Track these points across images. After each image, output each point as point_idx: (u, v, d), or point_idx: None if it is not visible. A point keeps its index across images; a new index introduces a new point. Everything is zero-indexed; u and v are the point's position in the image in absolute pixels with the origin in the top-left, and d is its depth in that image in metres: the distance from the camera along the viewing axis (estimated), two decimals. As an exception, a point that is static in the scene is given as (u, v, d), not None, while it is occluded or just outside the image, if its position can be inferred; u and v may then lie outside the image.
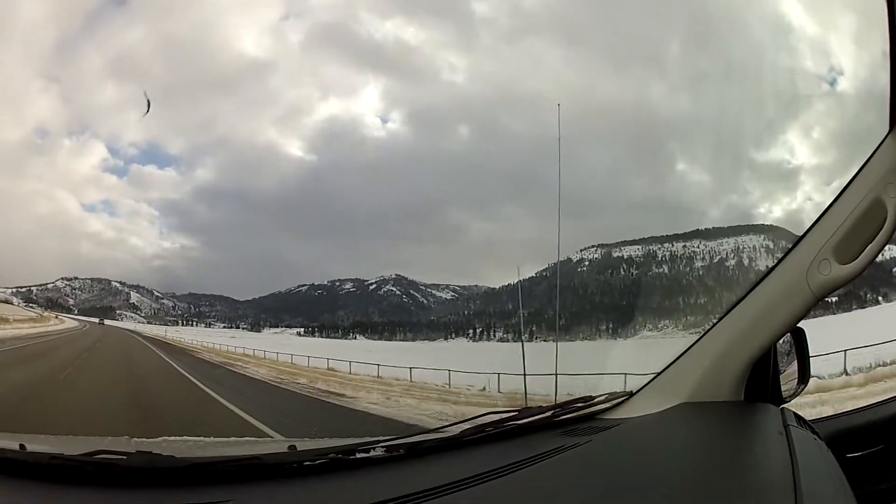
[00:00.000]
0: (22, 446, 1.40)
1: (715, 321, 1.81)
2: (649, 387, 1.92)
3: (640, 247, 76.52)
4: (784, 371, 1.93)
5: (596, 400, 1.92)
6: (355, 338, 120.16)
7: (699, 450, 1.53)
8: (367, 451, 1.53)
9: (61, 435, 2.46)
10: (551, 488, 1.32)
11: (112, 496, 1.25)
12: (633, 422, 1.79)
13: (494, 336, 77.57)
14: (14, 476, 1.27)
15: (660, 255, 69.75)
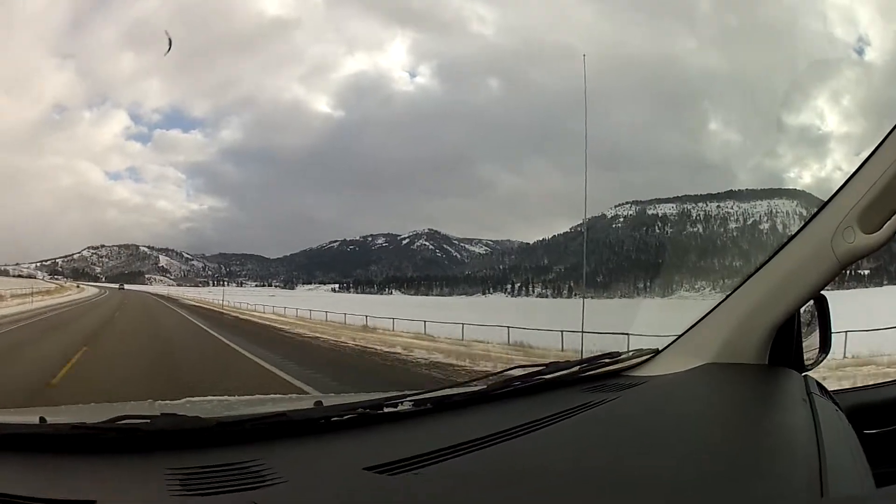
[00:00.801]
0: (42, 419, 1.43)
1: (740, 282, 1.81)
2: (675, 345, 1.94)
3: (674, 205, 79.21)
4: (806, 339, 1.92)
5: (622, 356, 1.96)
6: (391, 293, 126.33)
7: (724, 411, 1.57)
8: (395, 405, 1.57)
9: (82, 404, 2.58)
10: (578, 445, 1.36)
11: (138, 461, 1.28)
12: (658, 380, 1.81)
13: (533, 292, 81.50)
14: (37, 451, 1.30)
15: (694, 215, 72.42)
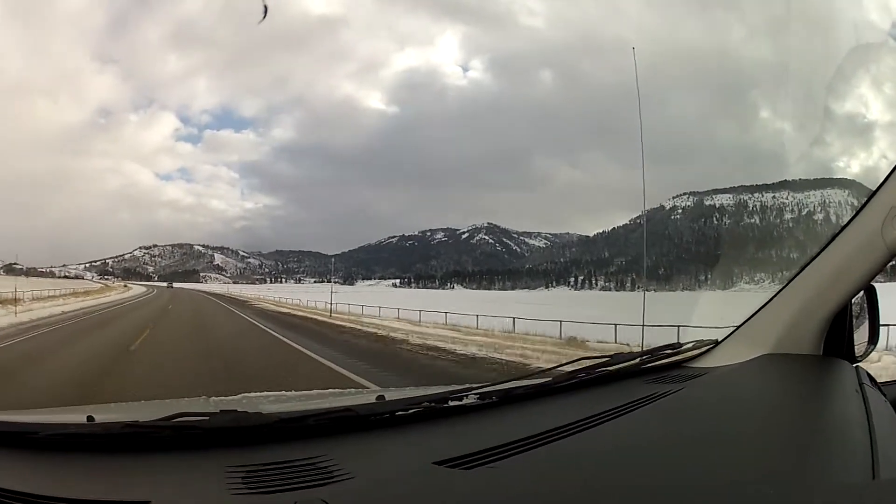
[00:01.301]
0: (90, 418, 1.41)
1: (795, 273, 1.82)
2: (733, 336, 1.95)
3: (730, 196, 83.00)
4: (856, 330, 1.91)
5: (684, 348, 1.96)
6: (452, 287, 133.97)
7: (782, 401, 1.57)
8: (460, 398, 1.55)
9: (131, 402, 2.54)
10: (646, 436, 1.35)
11: (194, 459, 1.26)
12: (718, 371, 1.81)
13: (596, 285, 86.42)
14: (84, 451, 1.28)
15: (750, 206, 76.02)
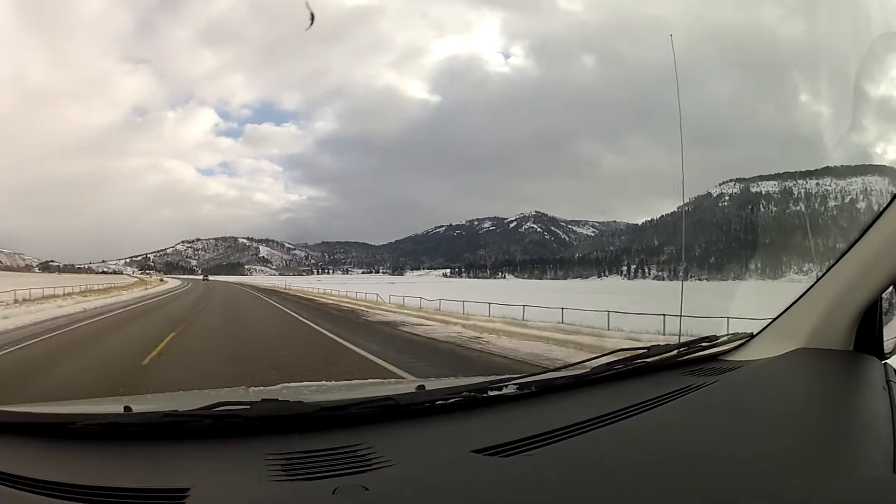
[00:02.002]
0: (127, 408, 1.43)
1: (828, 266, 1.81)
2: (768, 330, 1.95)
3: (776, 182, 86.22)
4: (886, 325, 1.90)
5: (720, 340, 1.97)
6: (504, 277, 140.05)
7: (813, 398, 1.58)
8: (500, 388, 1.58)
9: (168, 392, 2.54)
10: (681, 428, 1.36)
11: (235, 447, 1.28)
12: (753, 364, 1.82)
13: (648, 274, 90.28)
14: (121, 440, 1.30)
15: (795, 193, 78.40)
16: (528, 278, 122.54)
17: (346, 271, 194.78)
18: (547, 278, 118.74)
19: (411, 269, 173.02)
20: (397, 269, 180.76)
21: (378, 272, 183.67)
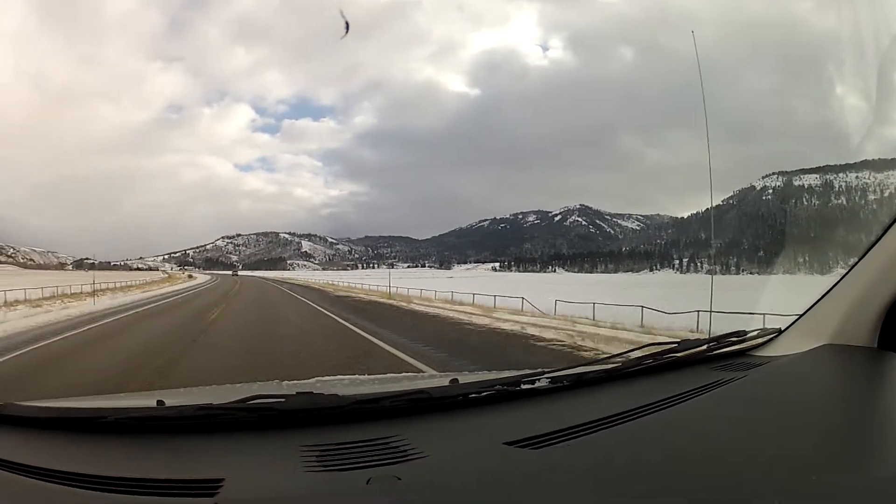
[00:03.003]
0: (160, 402, 1.45)
1: (855, 261, 1.80)
2: (795, 326, 1.95)
3: (817, 175, 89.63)
4: None
5: (748, 336, 1.99)
6: (554, 271, 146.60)
7: (837, 395, 1.60)
8: (532, 382, 1.60)
9: (202, 386, 2.59)
10: (709, 422, 1.38)
11: (269, 439, 1.30)
12: (780, 360, 1.83)
13: (701, 268, 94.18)
14: (154, 433, 1.33)
15: (836, 186, 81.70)
16: (579, 272, 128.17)
17: (392, 265, 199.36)
18: (597, 272, 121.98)
19: (458, 263, 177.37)
20: (444, 263, 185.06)
21: (424, 266, 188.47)
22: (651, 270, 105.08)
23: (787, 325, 1.99)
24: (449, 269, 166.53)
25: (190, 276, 74.91)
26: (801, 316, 1.95)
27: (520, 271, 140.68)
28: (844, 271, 1.78)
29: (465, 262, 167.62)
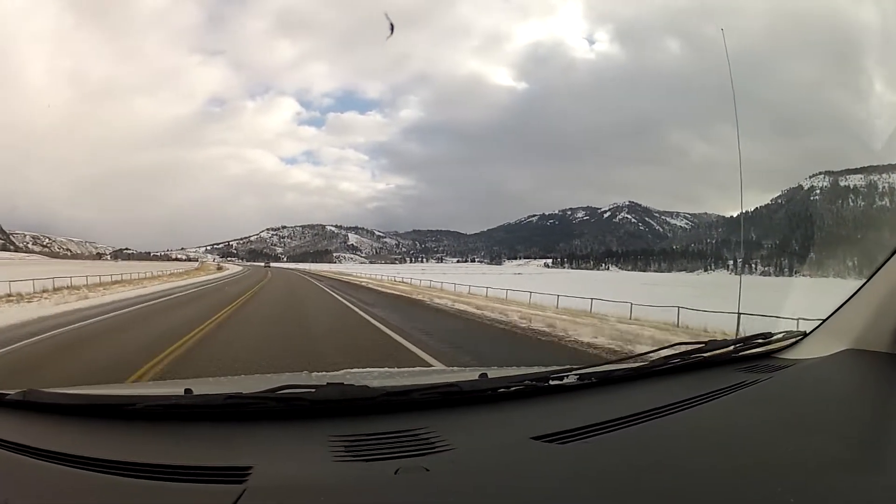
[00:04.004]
0: (188, 391, 1.46)
1: (878, 265, 1.80)
2: (819, 329, 1.94)
3: (861, 176, 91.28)
4: None
5: (774, 338, 1.98)
6: (607, 268, 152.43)
7: (858, 401, 1.59)
8: (560, 378, 1.61)
9: (230, 376, 2.54)
10: (732, 424, 1.39)
11: (298, 428, 1.33)
12: (803, 364, 1.82)
13: (755, 269, 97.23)
14: (181, 421, 1.35)
15: (880, 187, 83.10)
16: (632, 270, 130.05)
17: (441, 259, 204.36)
18: (651, 270, 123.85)
19: (508, 259, 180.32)
20: (494, 259, 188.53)
21: (473, 261, 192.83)
22: (705, 270, 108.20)
23: (812, 328, 2.00)
24: (499, 264, 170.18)
25: (219, 268, 71.77)
26: (825, 320, 1.96)
27: (572, 268, 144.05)
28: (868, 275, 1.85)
29: (516, 258, 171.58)
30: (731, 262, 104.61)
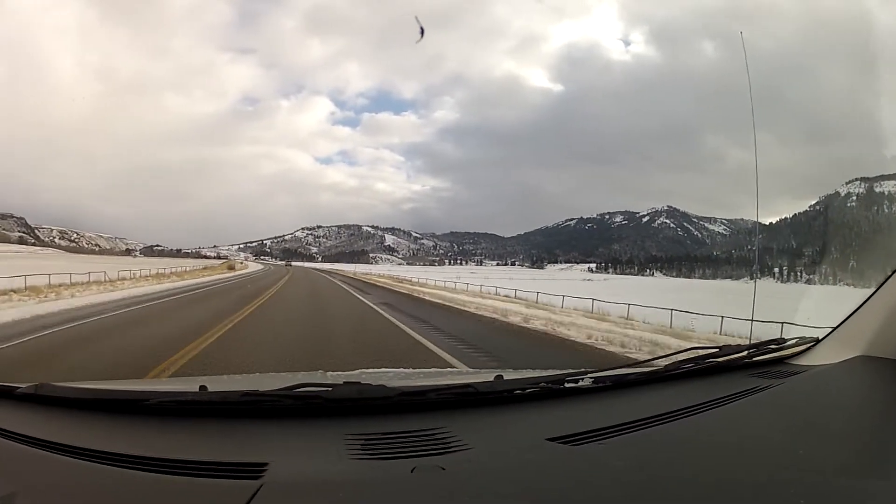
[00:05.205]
0: (203, 387, 1.48)
1: (891, 271, 1.80)
2: (832, 336, 1.95)
3: (894, 182, 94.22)
4: None
5: (787, 344, 1.99)
6: (651, 274, 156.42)
7: (867, 408, 1.60)
8: (576, 381, 1.63)
9: (245, 374, 2.56)
10: (744, 429, 1.41)
11: (314, 427, 1.34)
12: (815, 370, 1.83)
13: (801, 277, 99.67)
14: (195, 417, 1.37)
15: None
16: (676, 276, 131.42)
17: (480, 262, 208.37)
18: (695, 277, 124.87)
19: (549, 263, 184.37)
20: (536, 262, 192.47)
21: (513, 264, 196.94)
22: (751, 278, 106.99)
23: (825, 334, 1.99)
24: (541, 268, 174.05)
25: (230, 267, 64.27)
26: (837, 326, 1.95)
27: (616, 273, 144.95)
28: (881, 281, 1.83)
29: (556, 262, 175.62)
30: (776, 270, 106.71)
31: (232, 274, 49.25)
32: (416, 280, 43.31)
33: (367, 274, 60.17)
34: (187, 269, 50.09)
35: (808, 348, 1.99)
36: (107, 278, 27.83)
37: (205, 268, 58.26)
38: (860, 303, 1.87)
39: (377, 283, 36.64)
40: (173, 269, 43.81)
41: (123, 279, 28.70)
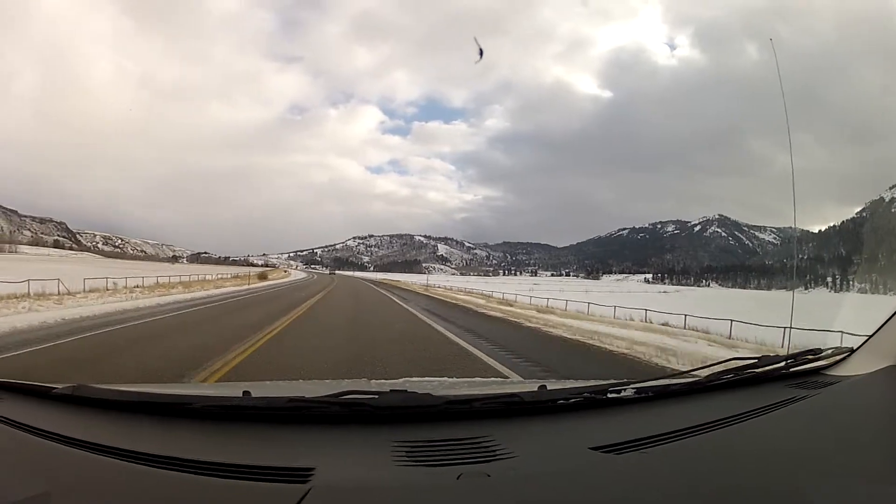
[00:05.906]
0: (246, 393, 1.50)
1: None
2: (865, 346, 1.94)
3: None
4: None
5: (823, 354, 1.99)
6: (707, 285, 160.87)
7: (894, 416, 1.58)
8: (618, 391, 1.64)
9: (289, 380, 2.62)
10: (781, 439, 1.41)
11: (360, 433, 1.35)
12: (850, 380, 1.83)
13: (852, 286, 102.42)
14: (240, 422, 1.38)
15: None
16: (732, 287, 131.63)
17: (534, 273, 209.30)
18: (751, 287, 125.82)
19: (604, 273, 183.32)
20: (591, 273, 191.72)
21: (567, 275, 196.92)
22: (806, 288, 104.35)
23: (859, 344, 1.98)
24: (597, 279, 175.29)
25: (262, 277, 54.60)
26: (871, 336, 1.94)
27: (672, 284, 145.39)
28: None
29: (610, 272, 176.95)
30: (829, 280, 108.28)
31: (260, 284, 42.45)
32: (503, 297, 33.55)
33: (427, 287, 48.36)
34: (210, 277, 44.17)
35: (844, 358, 2.00)
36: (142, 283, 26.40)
37: (235, 276, 51.24)
38: (891, 313, 1.88)
39: (458, 303, 26.06)
40: (197, 278, 40.06)
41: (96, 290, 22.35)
